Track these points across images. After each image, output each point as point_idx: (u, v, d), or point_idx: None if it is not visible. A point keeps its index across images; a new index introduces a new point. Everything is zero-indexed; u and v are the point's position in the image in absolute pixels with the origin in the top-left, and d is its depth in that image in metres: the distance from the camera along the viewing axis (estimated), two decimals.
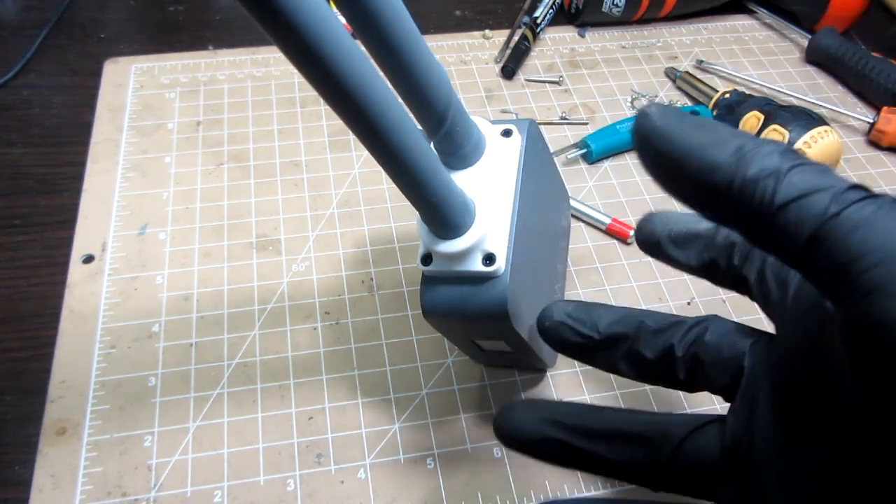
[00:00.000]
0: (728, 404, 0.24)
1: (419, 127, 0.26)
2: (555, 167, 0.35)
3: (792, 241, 0.16)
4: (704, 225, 0.26)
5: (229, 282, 0.40)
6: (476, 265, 0.27)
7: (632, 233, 0.43)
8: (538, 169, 0.31)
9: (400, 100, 0.22)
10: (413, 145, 0.22)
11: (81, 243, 0.41)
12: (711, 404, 0.36)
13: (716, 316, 0.25)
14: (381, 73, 0.21)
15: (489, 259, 0.27)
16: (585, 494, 0.31)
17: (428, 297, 0.28)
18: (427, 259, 0.28)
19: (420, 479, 0.33)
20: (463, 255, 0.26)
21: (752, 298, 0.25)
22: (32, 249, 0.41)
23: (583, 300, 0.28)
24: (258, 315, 0.39)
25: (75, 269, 0.40)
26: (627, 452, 0.24)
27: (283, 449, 0.34)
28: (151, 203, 0.43)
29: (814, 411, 0.20)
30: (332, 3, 0.23)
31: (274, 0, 0.16)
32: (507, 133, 0.29)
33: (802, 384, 0.20)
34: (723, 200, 0.17)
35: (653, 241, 0.27)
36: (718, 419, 0.24)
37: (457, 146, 0.27)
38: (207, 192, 0.44)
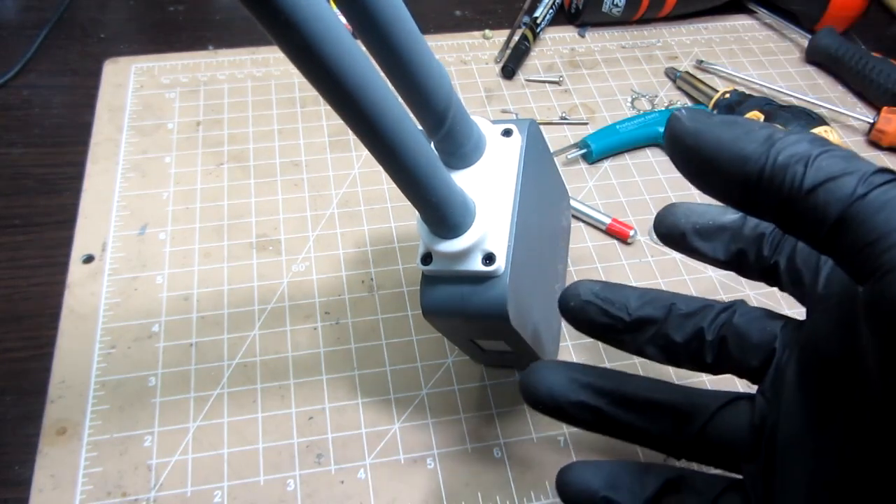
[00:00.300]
0: (754, 387, 0.24)
1: (419, 127, 0.26)
2: (555, 167, 0.35)
3: (821, 223, 0.17)
4: (730, 216, 0.26)
5: (229, 282, 0.40)
6: (476, 265, 0.27)
7: (632, 232, 0.43)
8: (538, 168, 0.31)
9: (400, 99, 0.22)
10: (413, 145, 0.22)
11: (81, 243, 0.41)
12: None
13: (742, 301, 0.25)
14: (381, 73, 0.21)
15: (489, 259, 0.27)
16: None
17: (428, 296, 0.28)
18: (427, 259, 0.28)
19: (420, 479, 0.33)
20: (463, 254, 0.26)
21: (782, 288, 0.25)
22: (32, 249, 0.41)
23: (606, 280, 0.27)
24: (258, 315, 0.39)
25: (75, 269, 0.40)
26: (660, 422, 0.24)
27: (283, 449, 0.34)
28: (151, 203, 0.43)
29: (840, 395, 0.20)
30: (332, 2, 0.23)
31: None
32: (507, 133, 0.29)
33: (830, 367, 0.21)
34: (754, 189, 0.18)
35: (676, 233, 0.27)
36: (748, 396, 0.24)
37: (457, 146, 0.27)
38: (207, 192, 0.44)
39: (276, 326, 0.38)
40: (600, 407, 0.25)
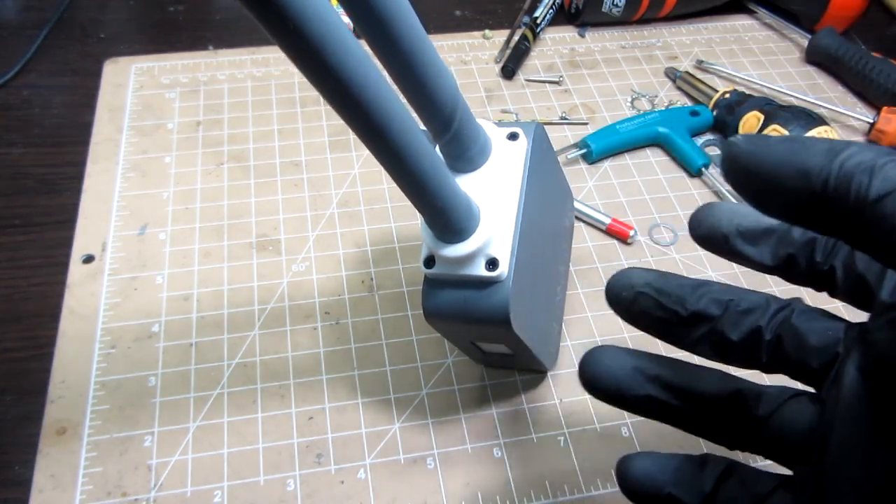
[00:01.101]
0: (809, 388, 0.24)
1: (425, 129, 0.26)
2: (559, 168, 0.35)
3: (890, 234, 0.16)
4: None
5: (229, 282, 0.40)
6: (479, 270, 0.27)
7: (632, 232, 0.43)
8: (543, 171, 0.31)
9: (404, 102, 0.22)
10: (418, 149, 0.22)
11: (81, 243, 0.41)
12: None
13: (798, 299, 0.24)
14: (387, 75, 0.21)
15: (492, 264, 0.27)
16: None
17: (430, 299, 0.28)
18: (430, 262, 0.28)
19: (420, 479, 0.33)
20: (466, 259, 0.26)
21: (834, 294, 0.24)
22: (32, 249, 0.41)
23: (657, 269, 0.26)
24: (258, 315, 0.39)
25: (75, 269, 0.40)
26: (725, 415, 0.24)
27: (283, 449, 0.34)
28: (151, 203, 0.43)
29: None
30: (335, 1, 0.23)
31: None
32: (513, 136, 0.29)
33: (894, 378, 0.20)
34: (818, 202, 0.17)
35: (717, 235, 0.25)
36: (810, 394, 0.24)
37: (463, 149, 0.27)
38: (207, 192, 0.44)
39: (276, 326, 0.38)
40: (667, 401, 0.24)
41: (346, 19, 0.36)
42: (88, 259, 0.40)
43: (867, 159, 0.17)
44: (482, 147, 0.28)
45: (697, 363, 0.25)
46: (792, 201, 0.18)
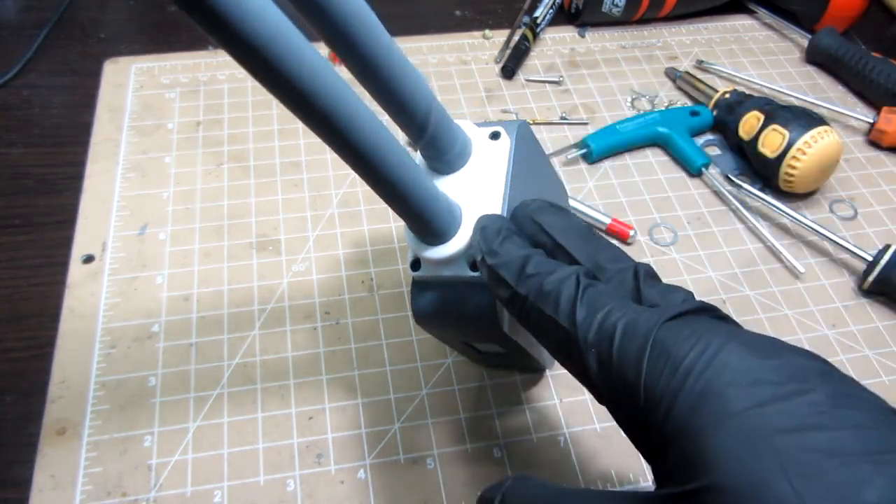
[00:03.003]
0: None
1: (405, 136, 0.26)
2: (550, 166, 0.35)
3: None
4: None
5: (229, 282, 0.40)
6: (464, 270, 0.27)
7: (632, 232, 0.43)
8: (530, 169, 0.31)
9: (375, 111, 0.22)
10: (391, 157, 0.22)
11: (81, 243, 0.41)
12: None
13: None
14: (362, 88, 0.21)
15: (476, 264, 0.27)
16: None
17: (418, 301, 0.28)
18: (416, 264, 0.28)
19: (420, 479, 0.33)
20: (450, 260, 0.26)
21: None
22: (32, 249, 0.41)
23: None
24: (258, 315, 0.39)
25: (75, 269, 0.40)
26: None
27: (283, 449, 0.34)
28: (151, 203, 0.43)
29: None
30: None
31: (223, 12, 0.16)
32: (495, 136, 0.29)
33: None
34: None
35: None
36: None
37: (442, 152, 0.27)
38: (207, 192, 0.44)
39: (276, 326, 0.38)
40: None
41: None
42: (88, 259, 0.40)
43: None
44: (462, 148, 0.28)
45: None
46: None
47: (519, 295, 0.23)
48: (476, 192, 0.27)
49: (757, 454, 0.16)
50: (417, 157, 0.28)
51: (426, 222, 0.25)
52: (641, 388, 0.18)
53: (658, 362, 0.18)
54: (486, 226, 0.25)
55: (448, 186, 0.27)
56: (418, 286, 0.28)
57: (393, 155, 0.22)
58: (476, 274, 0.26)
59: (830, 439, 0.16)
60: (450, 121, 0.27)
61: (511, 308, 0.24)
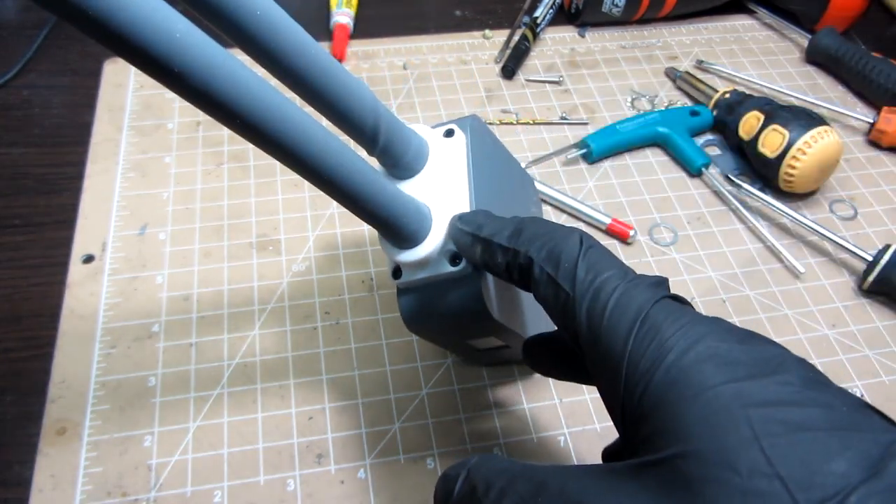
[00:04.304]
0: None
1: (359, 147, 0.26)
2: (510, 156, 0.34)
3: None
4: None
5: (229, 282, 0.40)
6: (444, 267, 0.27)
7: (632, 232, 0.43)
8: (491, 161, 0.31)
9: (324, 125, 0.22)
10: (347, 168, 0.22)
11: (81, 243, 0.41)
12: None
13: None
14: (308, 106, 0.22)
15: (456, 258, 0.27)
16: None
17: (406, 308, 0.28)
18: (397, 272, 0.28)
19: (420, 479, 0.33)
20: (429, 260, 0.27)
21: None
22: (32, 249, 0.41)
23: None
24: (258, 315, 0.39)
25: (75, 269, 0.40)
26: None
27: (283, 449, 0.34)
28: (151, 203, 0.43)
29: None
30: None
31: (131, 38, 0.16)
32: (449, 133, 0.29)
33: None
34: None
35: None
36: None
37: (398, 157, 0.27)
38: (207, 192, 0.44)
39: (276, 326, 0.38)
40: None
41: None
42: (88, 259, 0.40)
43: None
44: (418, 150, 0.28)
45: None
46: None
47: (518, 255, 0.23)
48: (441, 189, 0.27)
49: (731, 423, 0.17)
50: (377, 166, 0.28)
51: (396, 227, 0.25)
52: (625, 362, 0.19)
53: (646, 338, 0.19)
54: (461, 216, 0.26)
55: (413, 189, 0.27)
56: (403, 293, 0.28)
57: (350, 165, 0.22)
58: (457, 268, 0.26)
59: (802, 415, 0.17)
60: (401, 125, 0.27)
61: (509, 274, 0.24)
